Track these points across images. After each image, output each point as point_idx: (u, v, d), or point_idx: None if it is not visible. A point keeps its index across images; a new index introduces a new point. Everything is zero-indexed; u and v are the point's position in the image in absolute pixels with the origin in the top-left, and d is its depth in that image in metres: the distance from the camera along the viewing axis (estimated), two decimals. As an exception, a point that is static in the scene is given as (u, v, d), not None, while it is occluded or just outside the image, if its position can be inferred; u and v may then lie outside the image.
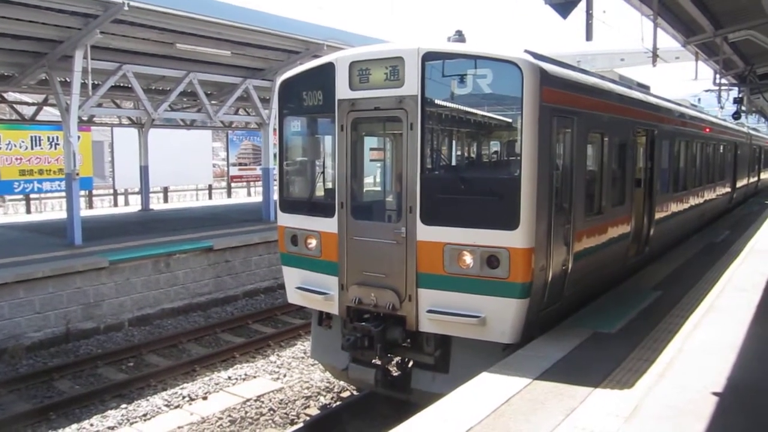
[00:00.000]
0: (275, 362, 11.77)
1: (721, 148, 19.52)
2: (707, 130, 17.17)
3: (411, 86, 7.29)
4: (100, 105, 19.68)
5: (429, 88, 7.24)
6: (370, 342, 7.64)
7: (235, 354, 12.20)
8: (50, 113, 24.51)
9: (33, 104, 22.11)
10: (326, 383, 10.45)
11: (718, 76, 19.32)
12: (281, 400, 9.90)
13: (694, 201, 15.21)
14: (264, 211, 20.51)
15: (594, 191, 8.87)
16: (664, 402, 5.55)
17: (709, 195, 17.29)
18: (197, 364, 11.59)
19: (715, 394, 5.71)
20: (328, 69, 7.95)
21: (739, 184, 23.53)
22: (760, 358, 6.79)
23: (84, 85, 14.80)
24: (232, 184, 32.43)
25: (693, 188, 15.12)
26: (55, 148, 22.25)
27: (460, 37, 7.82)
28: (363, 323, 7.77)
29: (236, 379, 10.91)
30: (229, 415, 9.35)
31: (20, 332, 12.12)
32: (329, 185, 8.44)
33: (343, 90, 7.82)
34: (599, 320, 8.07)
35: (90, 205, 27.19)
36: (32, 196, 24.70)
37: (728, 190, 21.17)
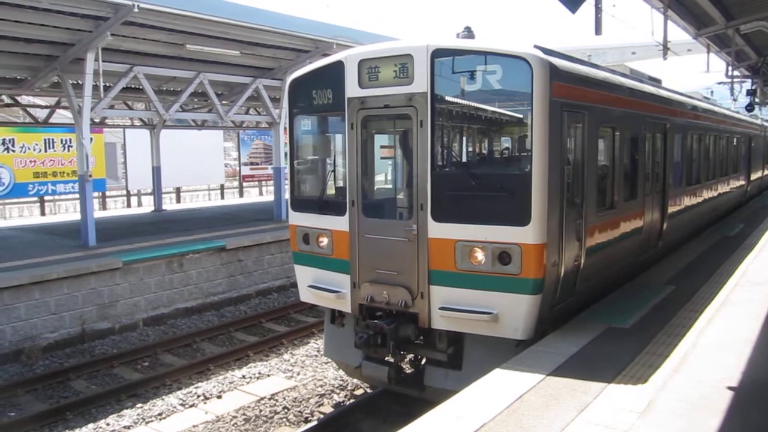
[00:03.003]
0: (289, 360, 11.81)
1: (735, 140, 19.34)
2: (720, 122, 17.02)
3: (420, 83, 7.28)
4: (112, 107, 19.84)
5: (438, 85, 7.23)
6: (382, 339, 7.63)
7: (249, 353, 12.26)
8: (63, 116, 24.71)
9: (46, 107, 22.32)
10: (340, 381, 10.47)
11: (730, 68, 19.18)
12: (295, 398, 9.94)
13: (707, 194, 15.09)
14: (276, 210, 20.58)
15: (606, 186, 8.82)
16: (679, 397, 5.51)
17: (722, 188, 17.15)
18: (211, 363, 11.66)
19: (730, 388, 5.67)
20: (338, 67, 7.96)
21: (753, 176, 23.32)
22: (776, 352, 6.74)
23: (96, 88, 14.91)
24: (244, 184, 32.55)
25: (706, 182, 15.00)
26: (69, 150, 22.45)
27: (469, 33, 7.80)
28: (375, 321, 7.77)
29: (250, 377, 10.96)
30: (244, 414, 9.40)
31: (36, 333, 12.24)
32: (340, 183, 8.46)
33: (352, 88, 7.82)
34: (613, 315, 8.03)
35: (103, 207, 27.40)
36: (46, 198, 24.92)
37: (742, 183, 20.99)
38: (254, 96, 20.19)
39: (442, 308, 7.30)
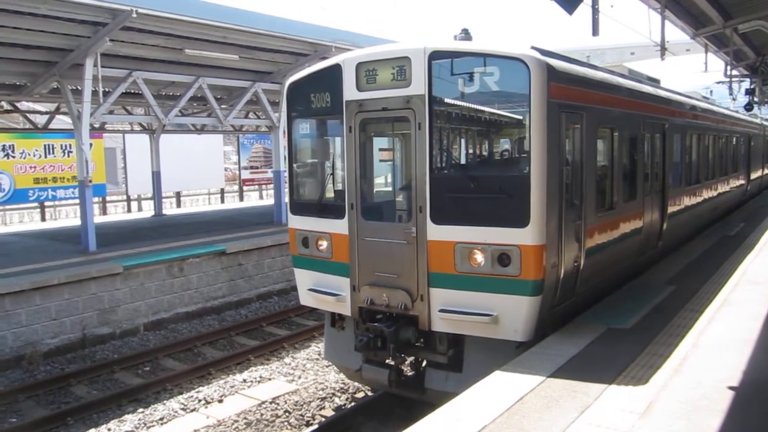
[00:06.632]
0: (290, 364, 11.80)
1: (734, 140, 19.35)
2: (719, 122, 17.02)
3: (418, 86, 7.29)
4: (111, 112, 19.78)
5: (436, 88, 7.24)
6: (382, 342, 7.63)
7: (249, 357, 12.25)
8: (63, 121, 24.74)
9: (45, 113, 22.31)
10: (341, 384, 10.47)
11: (729, 67, 19.19)
12: (296, 401, 9.94)
13: (707, 194, 15.08)
14: (276, 213, 20.59)
15: (605, 186, 8.81)
16: (679, 397, 5.50)
17: (722, 188, 17.14)
18: (212, 368, 11.65)
19: (730, 388, 5.66)
20: (336, 70, 7.97)
21: (753, 176, 23.31)
22: (776, 351, 6.73)
23: (95, 93, 14.92)
24: (244, 188, 32.57)
25: (706, 181, 14.99)
26: (68, 156, 22.47)
27: (466, 35, 7.82)
28: (375, 324, 7.77)
29: (251, 381, 10.95)
30: (245, 418, 9.40)
31: (37, 339, 12.23)
32: (339, 187, 8.46)
33: (350, 91, 7.83)
34: (613, 316, 8.03)
35: (104, 212, 27.43)
36: (47, 203, 24.95)
37: (742, 182, 20.98)
38: (253, 100, 20.22)
39: (441, 310, 7.30)
